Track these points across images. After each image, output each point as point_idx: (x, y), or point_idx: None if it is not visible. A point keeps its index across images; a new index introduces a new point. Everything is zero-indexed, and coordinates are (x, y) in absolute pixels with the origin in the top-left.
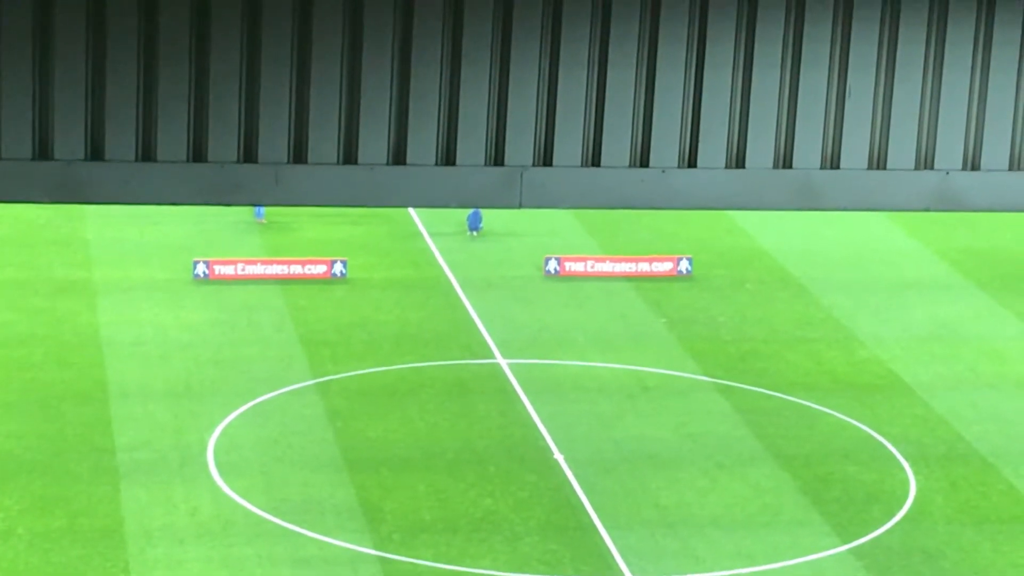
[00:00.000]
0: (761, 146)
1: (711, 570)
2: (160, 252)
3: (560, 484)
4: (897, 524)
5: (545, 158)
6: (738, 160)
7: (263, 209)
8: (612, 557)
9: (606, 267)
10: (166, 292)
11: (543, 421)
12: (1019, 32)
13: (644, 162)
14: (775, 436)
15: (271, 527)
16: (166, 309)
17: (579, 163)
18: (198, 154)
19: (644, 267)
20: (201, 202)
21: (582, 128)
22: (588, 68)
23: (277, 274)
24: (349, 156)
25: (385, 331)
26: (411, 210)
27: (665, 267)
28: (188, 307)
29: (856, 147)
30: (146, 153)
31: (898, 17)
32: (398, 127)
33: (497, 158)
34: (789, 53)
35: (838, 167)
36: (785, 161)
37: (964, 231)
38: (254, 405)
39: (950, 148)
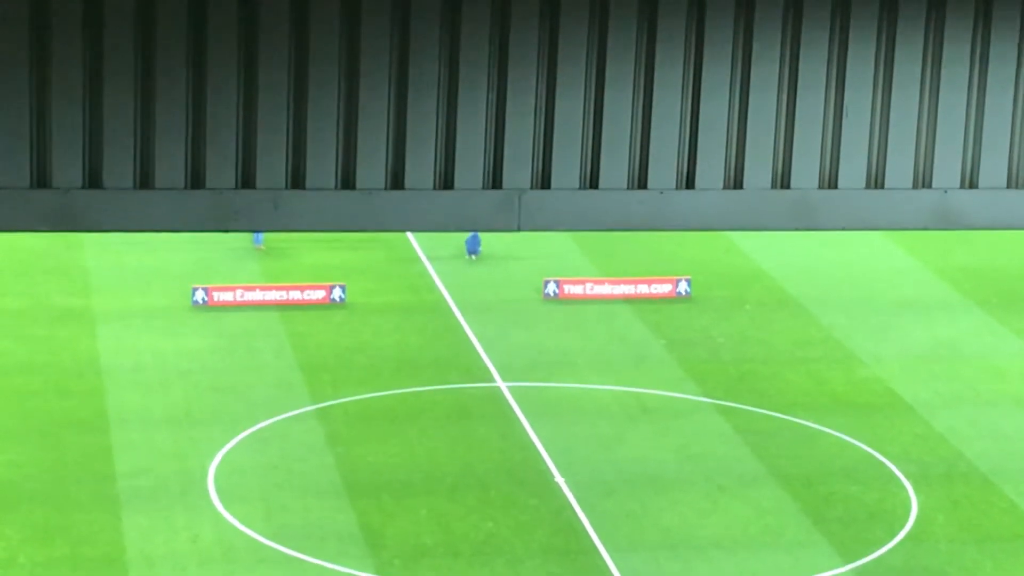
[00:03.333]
0: (759, 167)
1: None
2: (159, 279)
3: (561, 507)
4: (899, 543)
5: (543, 181)
6: (736, 181)
7: (262, 235)
8: None
9: (605, 289)
10: (165, 319)
11: (543, 444)
12: (1015, 49)
13: (642, 184)
14: (776, 457)
15: (272, 553)
16: (165, 336)
17: (577, 186)
18: (196, 181)
19: (643, 289)
20: (200, 229)
21: (580, 151)
22: (585, 90)
23: (276, 300)
24: (347, 181)
25: (384, 356)
26: (409, 234)
27: (664, 288)
28: (187, 334)
29: (854, 166)
30: (144, 180)
31: (894, 36)
32: (396, 152)
33: (495, 181)
34: (785, 74)
35: (836, 187)
36: (783, 181)
37: (962, 249)
38: (254, 431)
39: (948, 166)
